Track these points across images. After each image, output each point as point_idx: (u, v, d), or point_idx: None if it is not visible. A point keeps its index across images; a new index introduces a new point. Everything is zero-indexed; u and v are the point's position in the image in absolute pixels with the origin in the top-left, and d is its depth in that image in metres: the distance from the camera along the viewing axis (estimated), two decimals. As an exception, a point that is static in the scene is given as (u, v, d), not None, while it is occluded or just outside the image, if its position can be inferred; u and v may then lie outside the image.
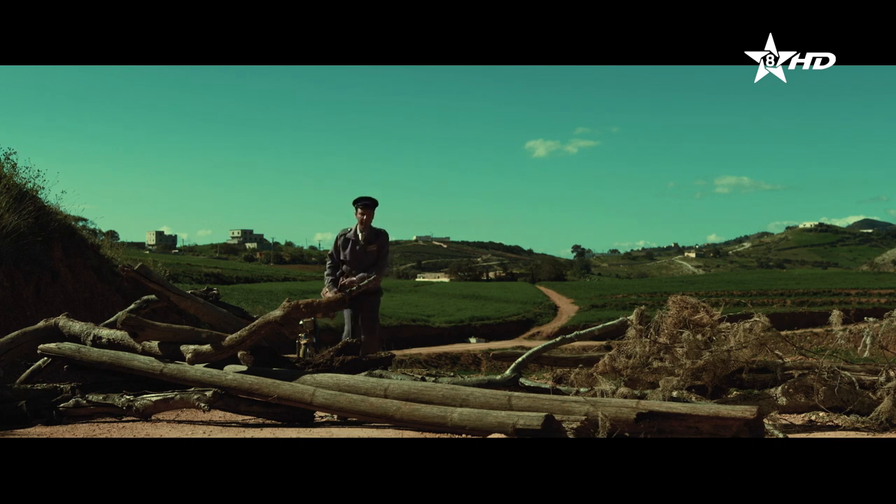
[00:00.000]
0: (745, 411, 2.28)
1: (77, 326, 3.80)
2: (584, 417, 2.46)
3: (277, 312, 3.39)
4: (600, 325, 3.40)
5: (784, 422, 2.94)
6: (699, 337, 2.89)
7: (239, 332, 3.42)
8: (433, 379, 3.24)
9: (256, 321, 3.44)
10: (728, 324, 2.97)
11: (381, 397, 3.03)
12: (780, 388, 2.85)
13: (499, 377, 3.25)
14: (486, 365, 20.05)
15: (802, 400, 2.79)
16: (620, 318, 3.22)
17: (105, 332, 3.68)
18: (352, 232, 6.95)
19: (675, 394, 2.78)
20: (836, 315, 3.22)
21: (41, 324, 3.92)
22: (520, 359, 3.24)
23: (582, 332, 3.44)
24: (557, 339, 3.43)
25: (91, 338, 3.66)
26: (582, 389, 2.99)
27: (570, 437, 2.43)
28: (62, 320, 3.87)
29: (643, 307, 3.22)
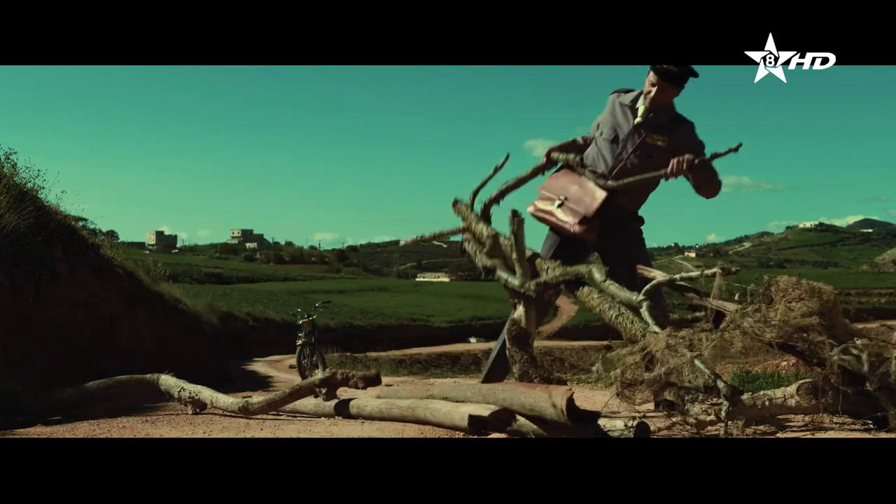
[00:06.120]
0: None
1: (170, 381, 4.47)
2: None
3: (315, 380, 3.87)
4: (679, 275, 2.87)
5: (789, 422, 2.94)
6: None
7: (276, 393, 4.10)
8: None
9: (290, 390, 4.00)
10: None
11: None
12: (793, 387, 2.72)
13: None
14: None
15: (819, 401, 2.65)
16: (702, 270, 2.73)
17: (189, 388, 4.35)
18: (635, 102, 3.85)
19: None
20: None
21: (147, 376, 4.59)
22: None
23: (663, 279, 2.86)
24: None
25: (178, 391, 4.34)
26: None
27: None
28: (162, 379, 4.50)
29: (723, 264, 2.88)
